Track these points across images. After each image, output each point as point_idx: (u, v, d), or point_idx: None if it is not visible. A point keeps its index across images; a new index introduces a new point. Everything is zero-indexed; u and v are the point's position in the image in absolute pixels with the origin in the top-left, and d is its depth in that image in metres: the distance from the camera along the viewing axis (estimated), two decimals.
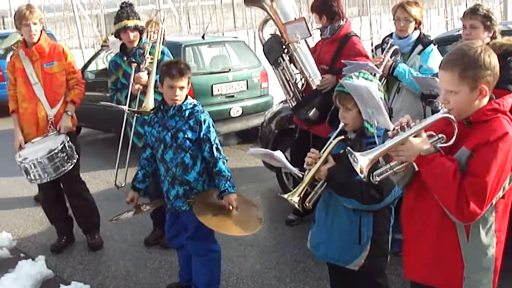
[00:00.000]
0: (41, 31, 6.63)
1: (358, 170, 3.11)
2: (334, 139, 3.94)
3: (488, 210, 3.12)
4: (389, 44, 5.96)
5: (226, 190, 4.95)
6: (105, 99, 11.30)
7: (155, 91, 6.24)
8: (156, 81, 6.24)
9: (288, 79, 6.34)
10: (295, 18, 6.31)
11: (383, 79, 5.86)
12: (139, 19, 6.60)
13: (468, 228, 3.17)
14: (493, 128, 3.03)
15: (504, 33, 5.61)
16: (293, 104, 6.46)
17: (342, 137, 3.95)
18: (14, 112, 6.70)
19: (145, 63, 6.50)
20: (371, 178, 3.27)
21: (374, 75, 5.48)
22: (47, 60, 6.57)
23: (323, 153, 3.90)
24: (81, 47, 21.22)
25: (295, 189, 3.90)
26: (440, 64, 3.22)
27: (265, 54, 6.47)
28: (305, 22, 6.02)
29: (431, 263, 3.32)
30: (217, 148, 5.03)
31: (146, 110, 6.15)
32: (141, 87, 6.40)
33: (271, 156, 4.21)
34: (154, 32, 6.75)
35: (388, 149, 3.15)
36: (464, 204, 2.99)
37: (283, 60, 6.28)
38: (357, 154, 3.13)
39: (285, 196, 3.90)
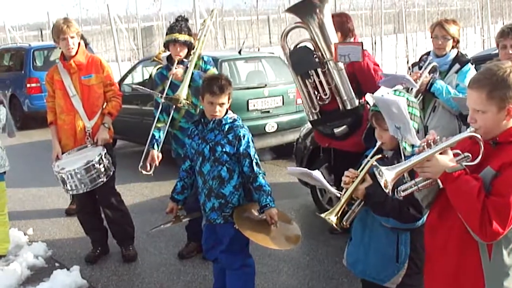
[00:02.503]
0: (79, 43, 6.70)
1: (382, 184, 3.14)
2: (371, 157, 3.92)
3: (511, 230, 3.09)
4: (427, 61, 5.94)
5: (268, 205, 4.95)
6: (141, 113, 11.45)
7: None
8: (192, 74, 6.39)
9: (314, 92, 6.31)
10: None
11: (419, 95, 5.85)
12: (190, 35, 6.63)
13: (490, 248, 3.15)
14: None
15: None
16: (314, 118, 6.44)
17: (380, 155, 3.93)
18: (52, 124, 6.77)
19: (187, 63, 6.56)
20: (395, 193, 3.28)
21: (411, 89, 5.49)
22: (85, 73, 6.63)
23: (360, 171, 3.88)
24: (118, 60, 21.40)
25: (332, 208, 3.89)
26: (469, 83, 3.22)
27: (292, 62, 6.44)
28: (362, 47, 6.00)
29: (453, 282, 3.30)
30: (256, 163, 5.05)
31: (177, 99, 6.24)
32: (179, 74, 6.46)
33: (309, 175, 4.20)
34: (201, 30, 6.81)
35: (413, 165, 3.16)
36: (487, 223, 2.97)
37: (316, 74, 6.25)
38: (383, 168, 3.16)
39: (323, 215, 3.89)
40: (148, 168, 6.63)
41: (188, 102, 6.38)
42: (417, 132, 3.88)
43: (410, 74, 6.09)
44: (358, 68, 6.21)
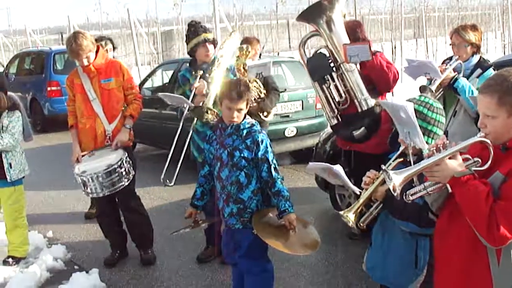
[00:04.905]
0: (98, 46, 6.72)
1: (391, 188, 3.15)
2: (393, 160, 3.92)
3: None
4: (454, 59, 5.93)
5: (286, 210, 4.93)
6: (161, 116, 11.49)
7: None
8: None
9: (333, 97, 6.32)
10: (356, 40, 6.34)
11: (441, 90, 5.86)
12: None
13: (499, 252, 3.16)
14: None
15: None
16: (334, 122, 6.44)
17: (402, 159, 3.93)
18: (72, 127, 6.80)
19: (210, 73, 6.48)
20: (404, 197, 3.30)
21: (434, 81, 5.57)
22: (104, 76, 6.64)
23: (380, 174, 3.88)
24: (137, 64, 21.49)
25: (351, 206, 3.91)
26: (480, 88, 3.23)
27: (309, 70, 6.44)
28: (369, 45, 6.01)
29: (461, 286, 3.32)
30: (275, 168, 5.02)
31: (202, 110, 6.24)
32: (203, 98, 6.40)
33: (329, 170, 4.20)
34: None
35: (422, 168, 3.19)
36: (495, 227, 2.99)
37: (332, 78, 6.26)
38: (391, 172, 3.18)
39: (341, 212, 3.91)
40: (168, 182, 6.64)
41: (213, 113, 6.32)
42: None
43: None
44: (370, 67, 6.21)
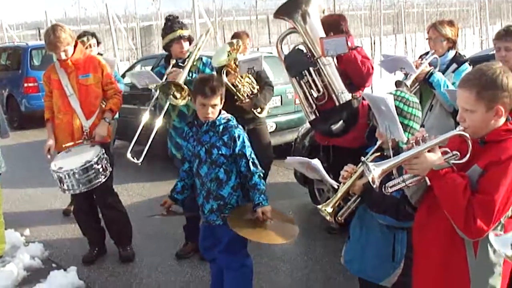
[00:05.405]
0: (76, 42, 6.67)
1: (370, 180, 3.17)
2: (371, 154, 3.93)
3: (497, 228, 3.15)
4: (430, 53, 5.96)
5: (261, 203, 4.93)
6: (140, 112, 11.42)
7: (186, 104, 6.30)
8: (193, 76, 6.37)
9: (310, 92, 6.32)
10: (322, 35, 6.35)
11: (416, 84, 5.89)
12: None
13: (476, 245, 3.21)
14: (505, 148, 3.06)
15: None
16: (312, 118, 6.44)
17: (379, 153, 3.93)
18: (48, 121, 6.76)
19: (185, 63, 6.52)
20: (383, 189, 3.32)
21: (409, 75, 5.65)
22: (82, 72, 6.59)
23: (359, 167, 3.89)
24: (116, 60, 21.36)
25: (329, 200, 3.92)
26: (459, 83, 3.27)
27: (286, 66, 6.44)
28: (346, 38, 6.02)
29: (439, 279, 3.36)
30: (253, 163, 5.02)
31: (175, 81, 6.25)
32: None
33: (308, 164, 4.21)
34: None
35: (401, 161, 3.22)
36: (472, 220, 3.03)
37: (309, 73, 6.27)
38: (370, 164, 3.20)
39: (319, 206, 3.92)
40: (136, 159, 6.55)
41: (180, 90, 6.28)
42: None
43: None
44: (345, 61, 6.23)
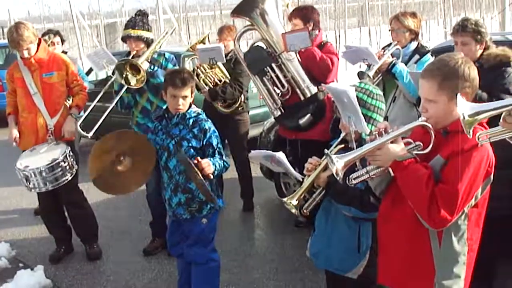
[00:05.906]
0: (40, 40, 6.63)
1: (334, 172, 3.18)
2: (335, 147, 3.96)
3: (461, 218, 3.19)
4: (392, 44, 6.02)
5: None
6: (105, 110, 11.36)
7: (161, 99, 6.29)
8: (155, 70, 6.42)
9: (274, 89, 6.35)
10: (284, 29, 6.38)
11: (379, 76, 5.94)
12: (148, 30, 6.60)
13: (440, 235, 3.23)
14: (467, 138, 3.05)
15: (500, 43, 5.59)
16: (278, 114, 6.46)
17: (343, 145, 3.96)
18: (10, 114, 6.72)
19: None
20: (347, 181, 3.36)
21: (372, 66, 5.71)
22: (46, 70, 6.56)
23: (323, 160, 3.91)
24: (81, 58, 21.23)
25: (293, 193, 3.93)
26: (421, 73, 3.28)
27: (247, 64, 6.48)
28: (308, 32, 6.05)
29: (404, 269, 3.38)
30: (219, 152, 5.05)
31: (132, 60, 6.30)
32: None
33: (272, 158, 4.22)
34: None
35: (365, 152, 3.23)
36: (435, 210, 3.06)
37: (272, 70, 6.29)
38: (334, 156, 3.21)
39: (284, 199, 3.94)
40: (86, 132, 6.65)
41: (134, 71, 6.32)
42: None
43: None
44: (305, 57, 6.29)
